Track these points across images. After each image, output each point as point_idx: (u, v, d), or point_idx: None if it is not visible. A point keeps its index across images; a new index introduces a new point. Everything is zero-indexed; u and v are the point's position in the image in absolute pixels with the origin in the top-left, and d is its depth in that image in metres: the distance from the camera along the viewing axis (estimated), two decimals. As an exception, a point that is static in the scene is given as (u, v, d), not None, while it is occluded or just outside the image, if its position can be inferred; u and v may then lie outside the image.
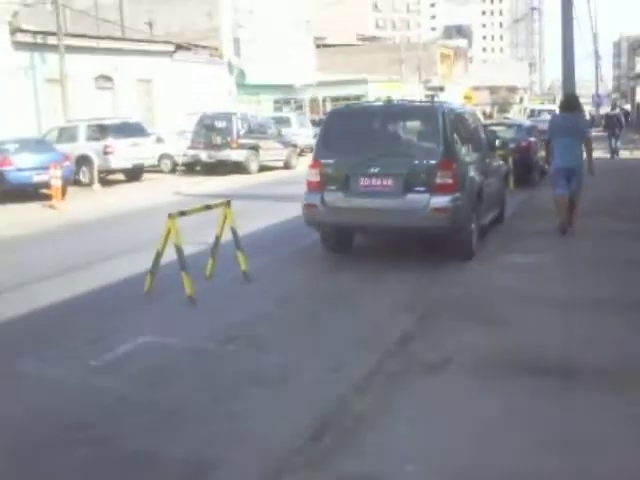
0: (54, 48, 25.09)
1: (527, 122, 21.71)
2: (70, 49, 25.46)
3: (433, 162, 8.71)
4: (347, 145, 9.23)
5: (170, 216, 7.62)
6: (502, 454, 4.00)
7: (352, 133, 9.31)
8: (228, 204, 8.67)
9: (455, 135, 9.16)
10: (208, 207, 8.53)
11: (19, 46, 25.62)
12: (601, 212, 12.28)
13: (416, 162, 8.84)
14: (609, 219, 11.64)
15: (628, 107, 53.17)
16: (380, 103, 11.40)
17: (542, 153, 19.84)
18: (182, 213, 7.86)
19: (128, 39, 33.00)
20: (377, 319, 6.95)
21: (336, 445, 4.12)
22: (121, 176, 22.97)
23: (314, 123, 35.91)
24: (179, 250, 7.59)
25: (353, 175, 9.04)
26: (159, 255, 7.82)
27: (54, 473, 4.20)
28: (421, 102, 13.43)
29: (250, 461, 4.20)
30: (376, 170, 8.90)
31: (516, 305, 6.94)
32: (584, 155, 10.58)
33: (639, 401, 4.63)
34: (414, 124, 9.79)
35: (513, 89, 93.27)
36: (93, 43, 28.81)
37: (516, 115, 60.48)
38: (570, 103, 10.87)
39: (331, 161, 9.22)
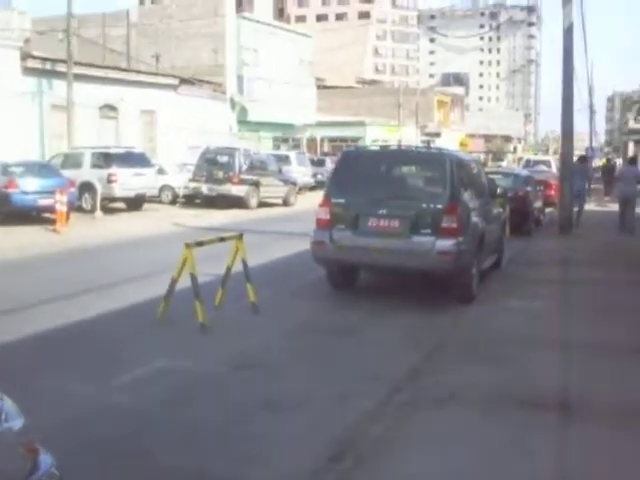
0: (62, 75, 25.59)
1: (524, 172, 22.17)
2: (78, 77, 25.93)
3: (439, 206, 9.05)
4: (358, 186, 9.55)
5: (187, 245, 7.89)
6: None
7: (363, 174, 9.66)
8: (240, 237, 8.98)
9: (461, 182, 9.52)
10: (222, 239, 8.84)
11: (28, 72, 26.17)
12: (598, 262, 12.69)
13: (423, 205, 9.18)
14: (606, 268, 12.02)
15: (619, 161, 54.03)
16: (390, 147, 11.76)
17: (538, 203, 20.39)
18: (199, 244, 8.14)
19: (135, 70, 33.59)
20: (384, 354, 7.22)
21: (354, 467, 4.37)
22: (122, 205, 23.25)
23: (313, 162, 36.47)
24: (194, 279, 7.86)
25: (362, 215, 9.35)
26: (174, 282, 8.08)
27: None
28: (430, 149, 13.75)
29: (270, 480, 4.44)
30: (384, 211, 9.22)
31: (515, 346, 7.24)
32: None
33: (634, 437, 4.92)
34: (423, 169, 10.13)
35: (508, 138, 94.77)
36: (100, 72, 29.37)
37: (510, 164, 61.28)
38: None
39: (341, 200, 9.53)
